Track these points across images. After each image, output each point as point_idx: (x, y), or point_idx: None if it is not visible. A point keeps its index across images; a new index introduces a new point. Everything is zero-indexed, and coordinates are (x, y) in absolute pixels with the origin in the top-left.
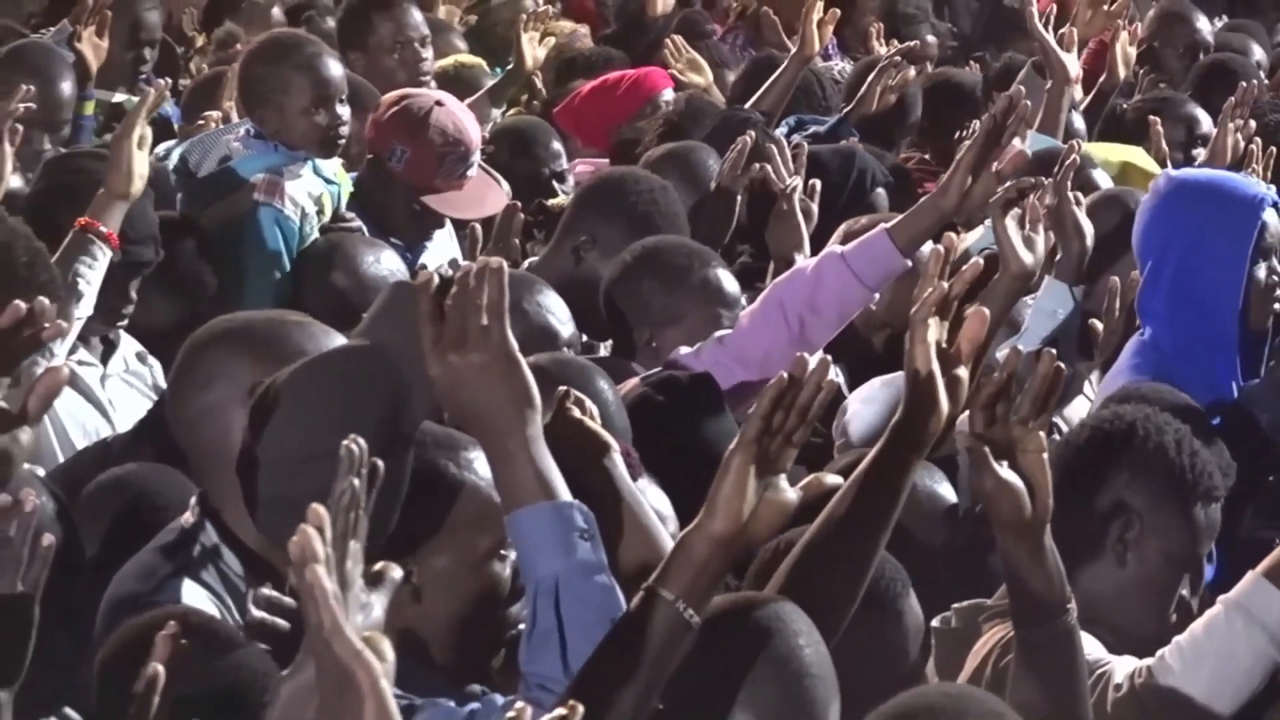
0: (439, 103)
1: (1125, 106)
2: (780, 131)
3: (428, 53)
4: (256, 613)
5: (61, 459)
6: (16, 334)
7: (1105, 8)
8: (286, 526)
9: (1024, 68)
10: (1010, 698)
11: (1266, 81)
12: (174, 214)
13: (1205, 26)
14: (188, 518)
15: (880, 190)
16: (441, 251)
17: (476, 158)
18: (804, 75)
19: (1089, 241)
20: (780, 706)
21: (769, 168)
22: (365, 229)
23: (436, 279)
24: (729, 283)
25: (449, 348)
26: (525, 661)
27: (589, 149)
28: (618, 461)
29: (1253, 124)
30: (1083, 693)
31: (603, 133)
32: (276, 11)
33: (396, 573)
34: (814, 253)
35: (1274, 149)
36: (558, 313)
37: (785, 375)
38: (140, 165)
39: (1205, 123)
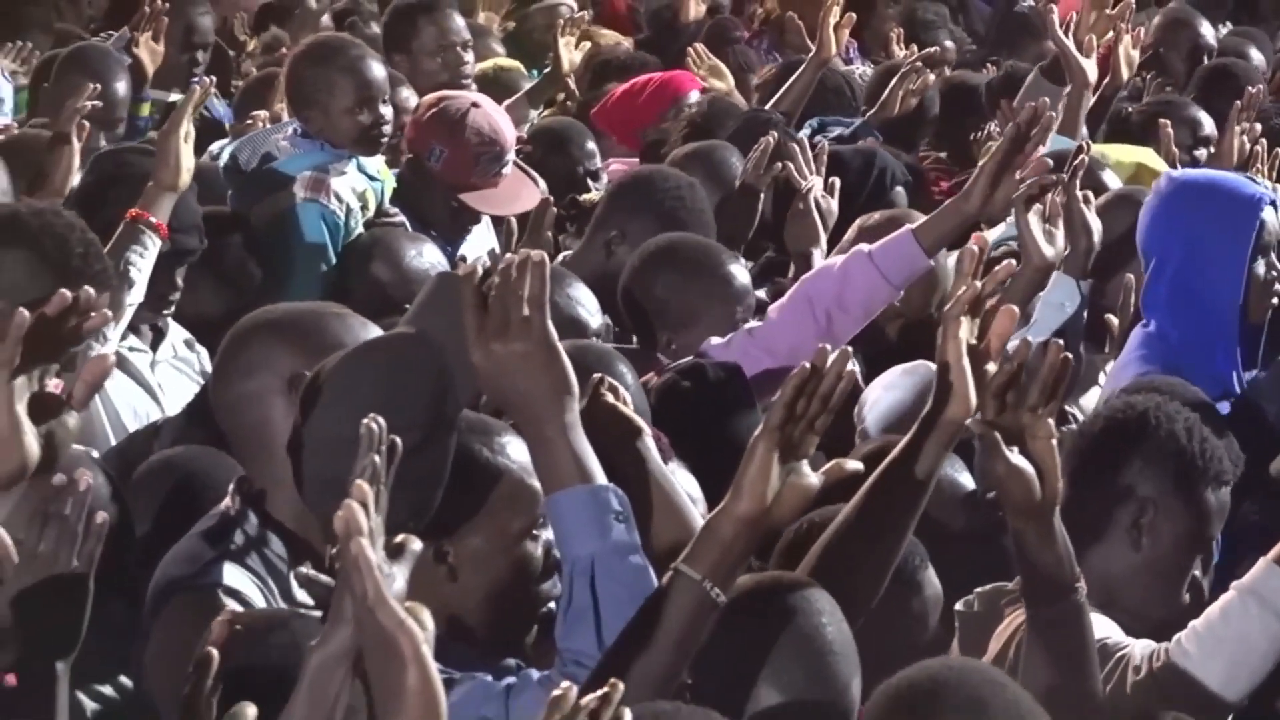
0: (475, 104)
1: (1131, 110)
2: (804, 133)
3: (469, 56)
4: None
5: (113, 440)
6: (63, 323)
7: (1108, 11)
8: (334, 505)
9: (1030, 74)
10: (1022, 673)
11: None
12: (223, 209)
13: (1209, 32)
14: (228, 503)
15: (899, 189)
16: (479, 245)
17: (511, 156)
18: (834, 78)
19: (1096, 238)
20: (803, 682)
21: (790, 166)
22: (407, 224)
23: (480, 271)
24: (741, 277)
25: (491, 337)
26: (561, 637)
27: (623, 148)
28: (649, 445)
29: (1258, 127)
30: (1092, 668)
31: (633, 132)
32: (324, 16)
33: (416, 545)
34: (833, 247)
35: (1278, 151)
36: (587, 304)
37: (808, 365)
38: (187, 159)
39: (1208, 125)
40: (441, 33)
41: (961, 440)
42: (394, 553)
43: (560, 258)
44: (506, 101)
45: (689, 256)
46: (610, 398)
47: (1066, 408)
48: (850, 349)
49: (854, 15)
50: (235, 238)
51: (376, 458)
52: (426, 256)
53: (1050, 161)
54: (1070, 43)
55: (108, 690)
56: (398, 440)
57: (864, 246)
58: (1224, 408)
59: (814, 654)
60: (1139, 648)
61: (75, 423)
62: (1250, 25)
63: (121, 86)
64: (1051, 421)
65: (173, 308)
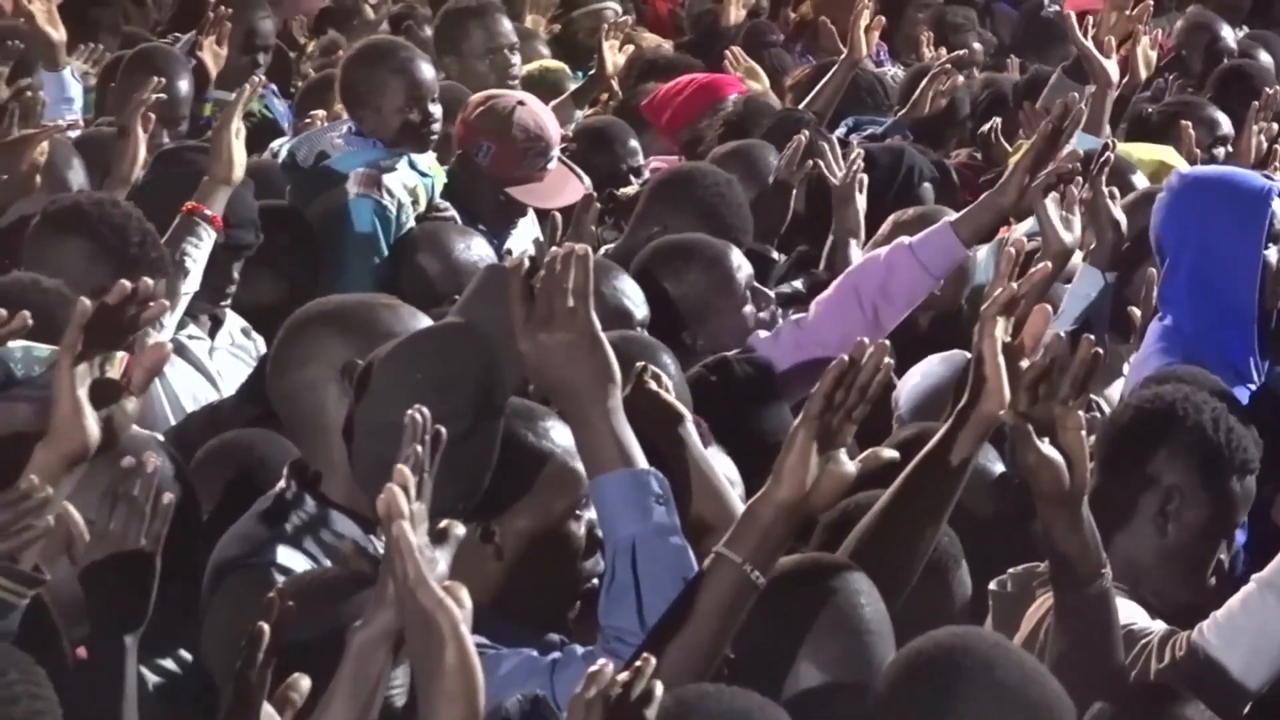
0: (521, 102)
1: (1151, 110)
2: (839, 132)
3: (516, 58)
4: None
5: (173, 424)
6: (123, 311)
7: (1128, 13)
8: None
9: (1054, 74)
10: (1049, 654)
11: None
12: (280, 203)
13: (1229, 35)
14: (282, 485)
15: (926, 185)
16: (525, 237)
17: (555, 152)
18: (867, 79)
19: (1122, 231)
20: (841, 660)
21: (821, 163)
22: (457, 217)
23: (527, 263)
24: (744, 269)
25: (538, 327)
26: (604, 615)
27: (662, 141)
28: (690, 430)
29: (1274, 126)
30: (1116, 651)
31: (677, 124)
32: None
33: (459, 530)
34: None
35: None
36: (633, 296)
37: (846, 358)
38: (239, 153)
39: (1225, 125)
40: (490, 36)
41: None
42: (438, 538)
43: (601, 251)
44: (553, 102)
45: (697, 254)
46: (653, 385)
47: (1092, 396)
48: (887, 343)
49: (883, 19)
50: (291, 231)
51: (419, 447)
52: (475, 250)
53: (1081, 152)
54: (1090, 44)
55: (169, 664)
56: (442, 429)
57: (905, 239)
58: (1242, 395)
59: (852, 632)
60: (1163, 635)
61: (134, 407)
62: (1265, 29)
63: (184, 85)
64: (1081, 413)
65: (229, 299)
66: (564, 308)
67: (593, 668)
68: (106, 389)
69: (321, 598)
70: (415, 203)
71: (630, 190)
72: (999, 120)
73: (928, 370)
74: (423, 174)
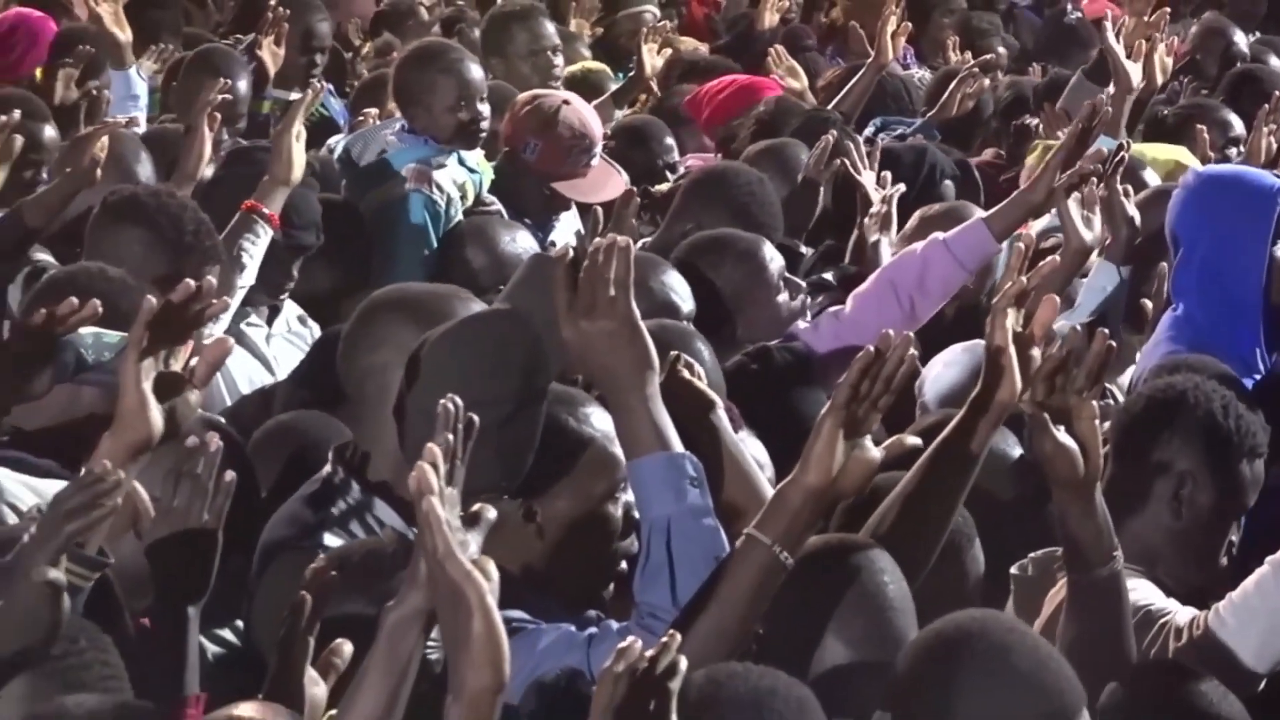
0: (566, 101)
1: (1167, 112)
2: (868, 131)
3: (558, 60)
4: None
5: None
6: (187, 309)
7: (1145, 19)
8: None
9: (1074, 77)
10: (1061, 634)
11: None
12: (336, 197)
13: (1242, 40)
14: (328, 470)
15: (948, 182)
16: (568, 230)
17: (599, 149)
18: (893, 83)
19: (1136, 227)
20: (866, 635)
21: (847, 162)
22: (503, 211)
23: (570, 254)
24: (776, 261)
25: (580, 315)
26: (639, 592)
27: (697, 140)
28: (722, 416)
29: None
30: (1126, 631)
31: (716, 121)
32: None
33: (491, 513)
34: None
35: None
36: (679, 290)
37: (872, 349)
38: (299, 155)
39: (1238, 126)
40: (534, 38)
41: (1012, 414)
42: (470, 521)
43: (638, 245)
44: (594, 101)
45: (731, 247)
46: (686, 374)
47: (1106, 384)
48: (912, 336)
49: (910, 24)
50: (345, 224)
51: (451, 436)
52: (519, 242)
53: (1105, 151)
54: (1120, 49)
55: (227, 634)
56: (474, 418)
57: (939, 235)
58: (1249, 385)
59: (876, 609)
60: (1181, 615)
61: (196, 399)
62: (1277, 34)
63: (243, 85)
64: (1095, 403)
65: (287, 294)
66: (605, 297)
67: (622, 644)
68: (170, 382)
69: (364, 571)
70: (464, 197)
71: (665, 186)
72: (1029, 118)
73: (950, 360)
74: (471, 170)
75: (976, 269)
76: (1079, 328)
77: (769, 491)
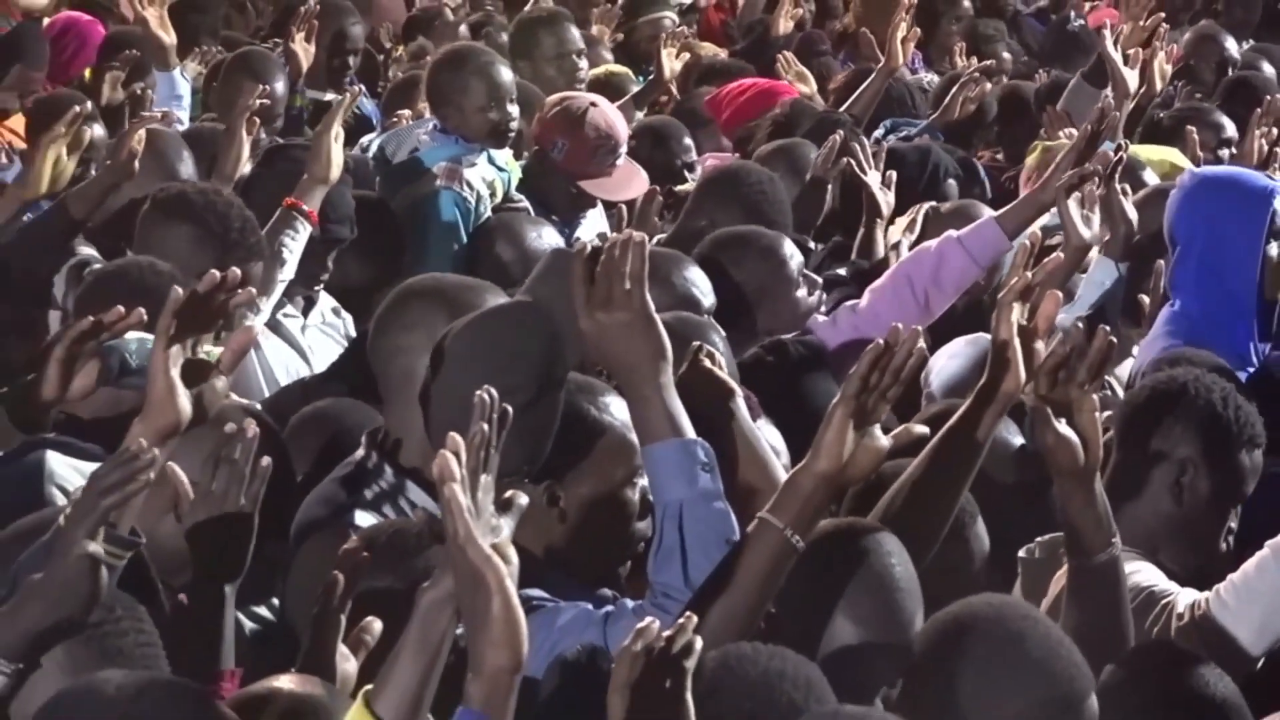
0: (593, 103)
1: (1162, 115)
2: (878, 133)
3: (583, 63)
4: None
5: (267, 395)
6: (213, 298)
7: (1142, 24)
8: None
9: (1073, 80)
10: (1063, 615)
11: None
12: (370, 193)
13: (1234, 47)
14: (361, 453)
15: (951, 181)
16: (593, 227)
17: (624, 149)
18: (898, 88)
19: (1134, 225)
20: (873, 615)
21: (853, 161)
22: (530, 209)
23: (589, 249)
24: (796, 257)
25: (597, 307)
26: (653, 572)
27: (715, 139)
28: (741, 404)
29: (1275, 131)
30: (1123, 613)
31: (736, 121)
32: (463, 28)
33: (523, 500)
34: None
35: None
36: (700, 285)
37: (881, 342)
38: (337, 155)
39: (1230, 129)
40: (559, 42)
41: (1014, 405)
42: (503, 506)
43: (654, 241)
44: (616, 103)
45: (753, 244)
46: (707, 363)
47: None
48: (920, 329)
49: (919, 30)
50: (378, 219)
51: (485, 426)
52: (546, 238)
53: (1111, 154)
54: (1119, 56)
55: (264, 612)
56: (508, 407)
57: (953, 233)
58: (1241, 377)
59: (884, 590)
60: (1183, 596)
61: (223, 385)
62: (1272, 41)
63: (280, 86)
64: (1096, 397)
65: (322, 285)
66: (622, 290)
67: (640, 624)
68: (198, 369)
69: (391, 550)
70: (492, 195)
71: (688, 186)
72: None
73: (955, 351)
74: (500, 169)
75: (989, 265)
76: (1080, 324)
77: (784, 477)
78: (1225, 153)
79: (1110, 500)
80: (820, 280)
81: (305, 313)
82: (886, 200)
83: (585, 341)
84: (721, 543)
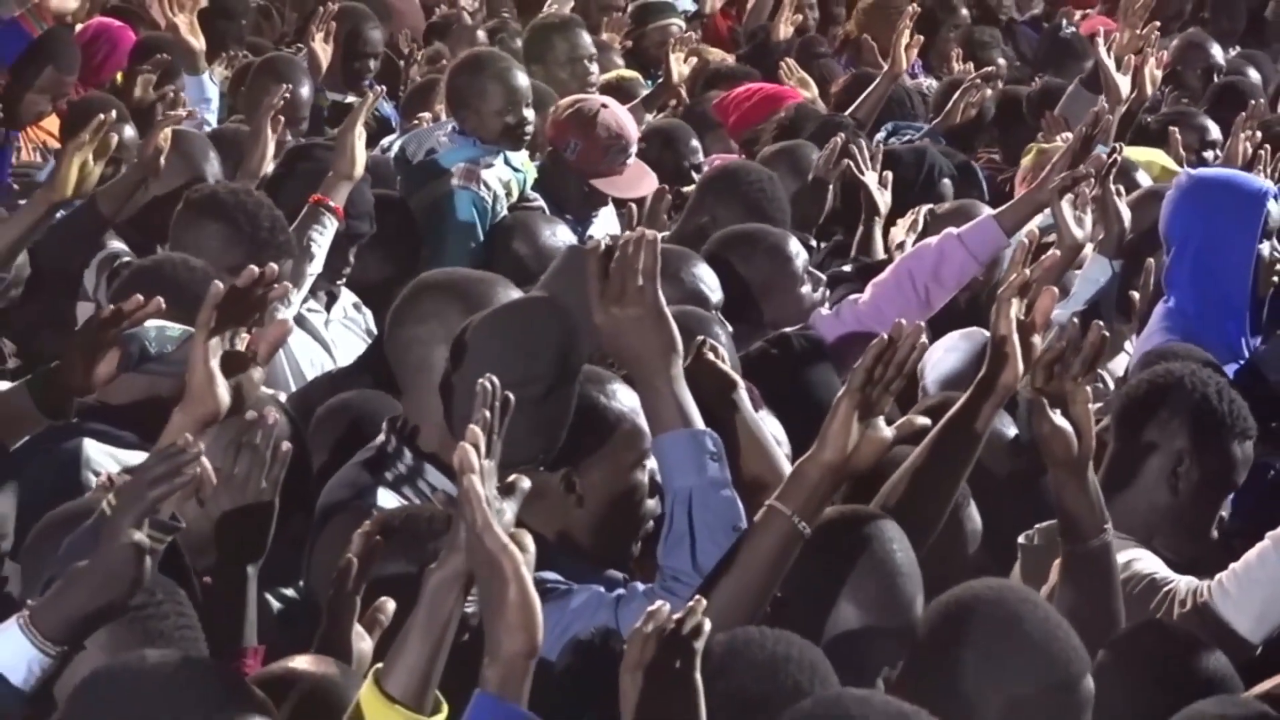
0: (605, 105)
1: (1150, 119)
2: (880, 136)
3: (594, 67)
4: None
5: (293, 386)
6: (251, 293)
7: (1137, 31)
8: None
9: (1071, 85)
10: (1057, 598)
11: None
12: (391, 193)
13: (1219, 54)
14: (382, 439)
15: (946, 180)
16: (606, 225)
17: (634, 149)
18: (897, 91)
19: (1127, 224)
20: (876, 599)
21: (852, 163)
22: (545, 208)
23: (603, 246)
24: (801, 254)
25: (611, 302)
26: (662, 557)
27: (723, 142)
28: (743, 396)
29: (1258, 134)
30: (1115, 595)
31: (743, 124)
32: (480, 33)
33: (525, 484)
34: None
35: None
36: (709, 281)
37: (885, 336)
38: (360, 152)
39: (1214, 131)
40: (572, 48)
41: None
42: (506, 490)
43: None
44: (627, 106)
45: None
46: (711, 356)
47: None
48: (923, 325)
49: (921, 36)
50: (398, 218)
51: (488, 413)
52: (560, 236)
53: (1104, 156)
54: (1111, 63)
55: (290, 592)
56: (510, 395)
57: (953, 230)
58: (1230, 371)
59: (886, 574)
60: (1184, 583)
61: (260, 375)
62: (1257, 49)
63: (305, 90)
64: (1089, 389)
65: (345, 278)
66: (634, 286)
67: (651, 607)
68: (236, 360)
69: (405, 535)
70: (508, 194)
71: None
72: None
73: (950, 345)
74: (515, 169)
75: (987, 261)
76: (1075, 320)
77: (785, 465)
78: (1209, 154)
79: (1107, 490)
80: (824, 277)
81: (328, 308)
82: (884, 199)
83: (599, 335)
84: (729, 529)
